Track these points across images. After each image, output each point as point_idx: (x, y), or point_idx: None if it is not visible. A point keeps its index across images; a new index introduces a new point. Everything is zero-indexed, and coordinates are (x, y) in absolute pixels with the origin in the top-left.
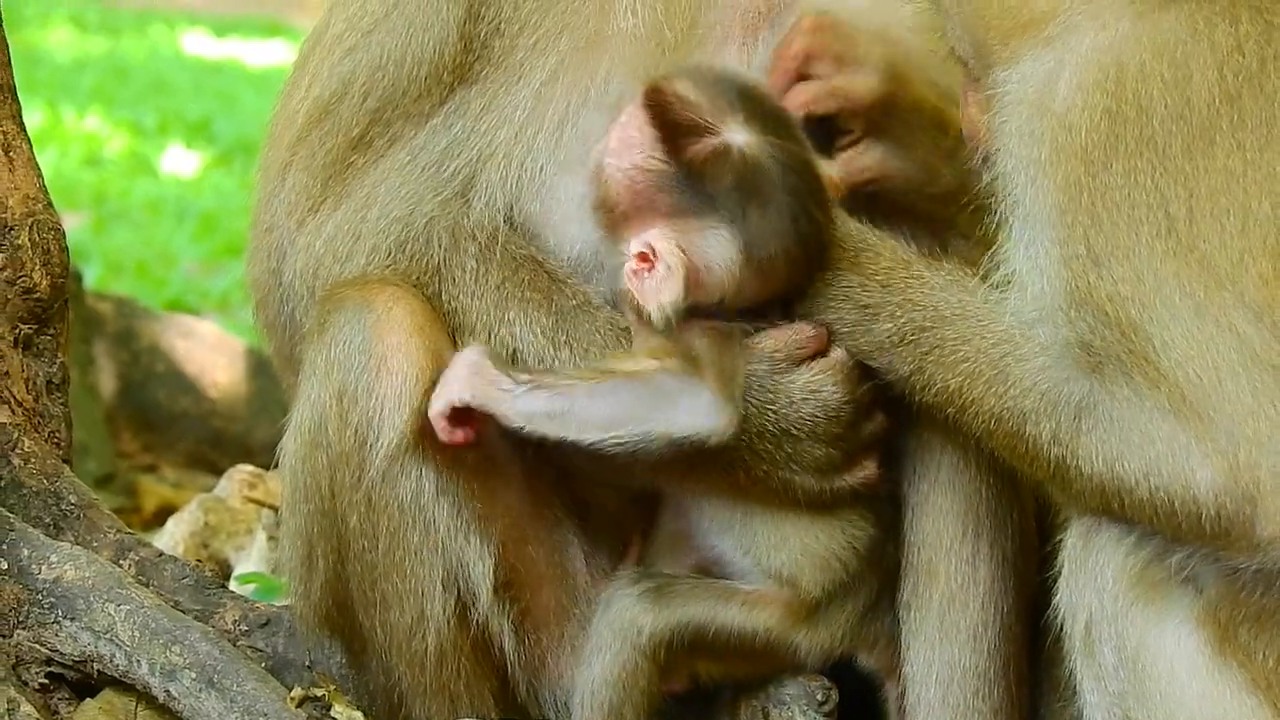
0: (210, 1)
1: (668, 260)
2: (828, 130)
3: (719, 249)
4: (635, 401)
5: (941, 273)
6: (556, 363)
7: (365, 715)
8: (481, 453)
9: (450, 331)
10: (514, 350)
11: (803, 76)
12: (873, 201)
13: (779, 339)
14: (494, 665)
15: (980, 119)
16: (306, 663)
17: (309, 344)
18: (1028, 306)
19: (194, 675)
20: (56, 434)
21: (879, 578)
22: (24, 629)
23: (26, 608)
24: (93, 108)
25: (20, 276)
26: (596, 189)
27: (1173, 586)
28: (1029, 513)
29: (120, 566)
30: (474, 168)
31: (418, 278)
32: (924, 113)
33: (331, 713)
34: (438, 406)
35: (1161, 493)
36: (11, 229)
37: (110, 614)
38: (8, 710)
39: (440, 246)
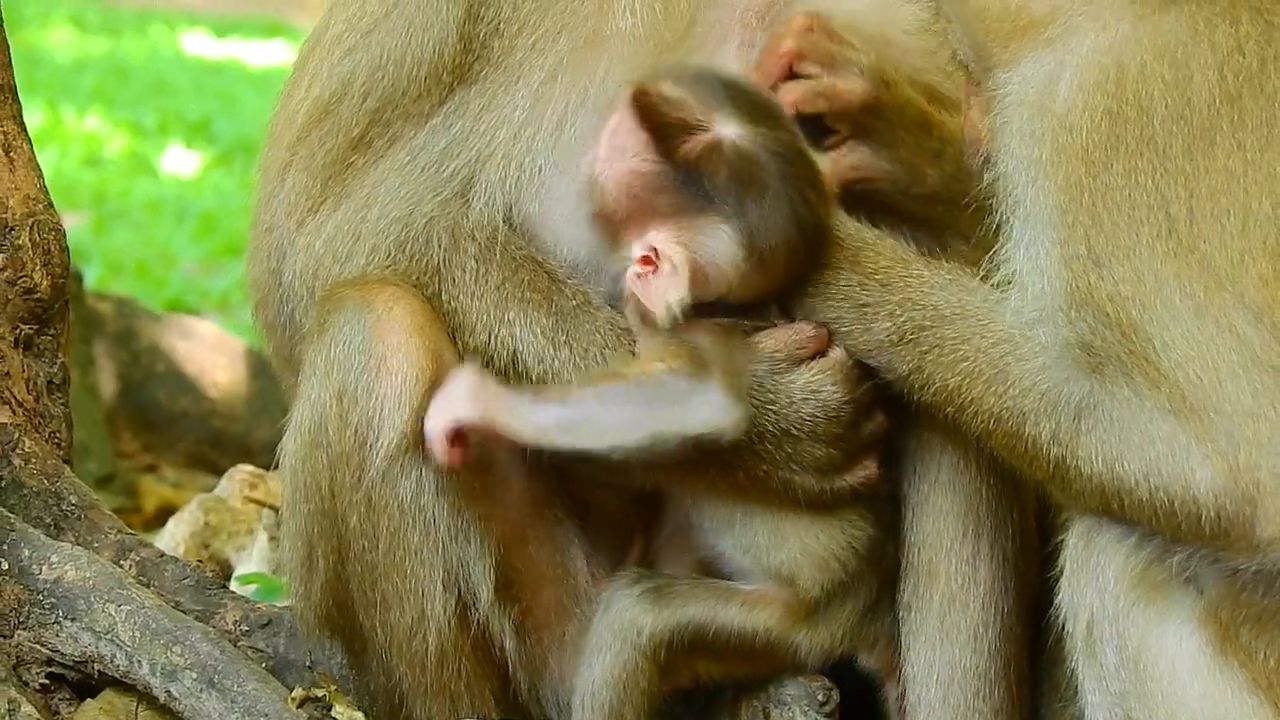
0: (211, 2)
1: (673, 259)
2: (815, 129)
3: (722, 243)
4: (646, 404)
5: (941, 272)
6: (556, 363)
7: (366, 716)
8: (482, 454)
9: (450, 332)
10: (514, 351)
11: (792, 75)
12: (859, 201)
13: (779, 339)
14: (495, 665)
15: (982, 122)
16: (307, 663)
17: (309, 344)
18: (1028, 306)
19: (195, 676)
20: (57, 434)
21: (879, 577)
22: (25, 629)
23: (27, 608)
24: (93, 108)
25: (21, 277)
26: (593, 198)
27: (1174, 587)
28: (1029, 513)
29: (121, 567)
30: (473, 168)
31: (417, 278)
32: (910, 115)
33: (332, 713)
34: (440, 425)
35: (1161, 493)
36: (12, 229)
37: (111, 614)
38: (8, 711)
39: (440, 247)
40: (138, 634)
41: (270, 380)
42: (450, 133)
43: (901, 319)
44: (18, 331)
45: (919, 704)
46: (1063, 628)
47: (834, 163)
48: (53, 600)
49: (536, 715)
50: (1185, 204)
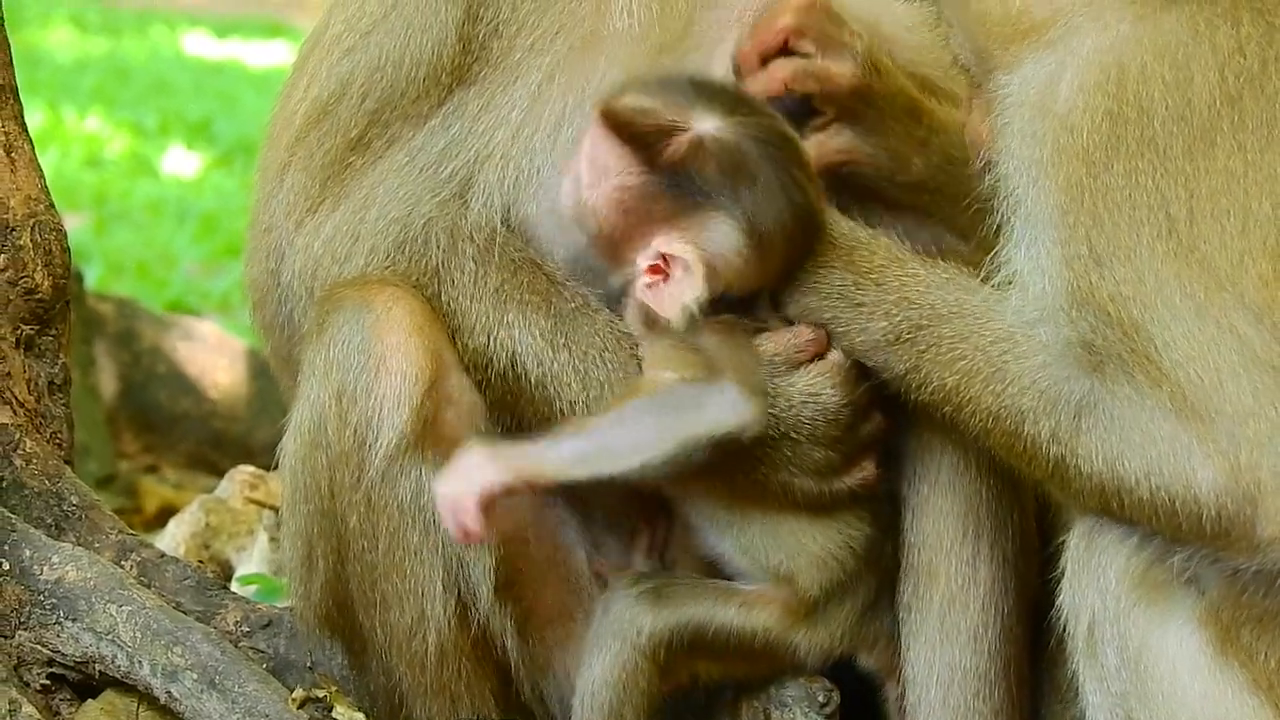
0: (211, 2)
1: (685, 260)
2: (802, 108)
3: (725, 235)
4: (663, 415)
5: (937, 271)
6: (555, 365)
7: (366, 716)
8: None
9: (449, 332)
10: (513, 352)
11: (786, 50)
12: (843, 184)
13: (778, 343)
14: (495, 665)
15: (983, 124)
16: (308, 664)
17: (308, 344)
18: (1029, 306)
19: (196, 676)
20: (58, 435)
21: (877, 577)
22: (26, 630)
23: (28, 609)
24: (94, 108)
25: (22, 277)
26: (586, 225)
27: (1175, 588)
28: (1030, 514)
29: (122, 567)
30: (471, 169)
31: (416, 279)
32: (900, 103)
33: (333, 714)
34: (472, 501)
35: (1162, 492)
36: (13, 230)
37: (112, 615)
38: (9, 711)
39: (439, 248)
40: (139, 634)
41: (271, 381)
42: (449, 134)
43: (897, 318)
44: (19, 332)
45: (919, 705)
46: (1064, 629)
47: (819, 145)
48: (54, 601)
49: (540, 715)
50: (1186, 204)
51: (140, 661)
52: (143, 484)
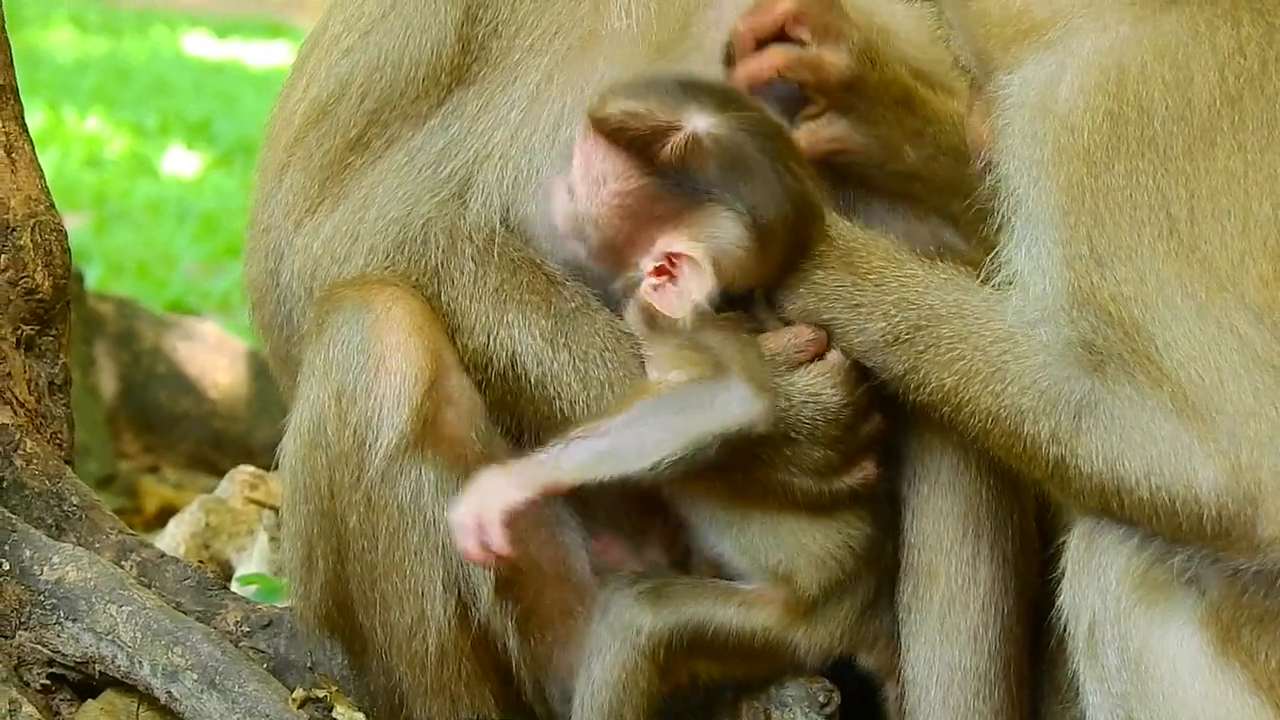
0: (211, 2)
1: (694, 258)
2: (793, 95)
3: (729, 229)
4: (673, 414)
5: (936, 272)
6: (555, 365)
7: (366, 716)
8: (482, 454)
9: (449, 332)
10: (513, 352)
11: (783, 36)
12: (834, 172)
13: (778, 342)
14: (495, 665)
15: (984, 126)
16: (308, 664)
17: (307, 345)
18: (1030, 306)
19: (196, 676)
20: (58, 435)
21: (877, 576)
22: (26, 630)
23: (28, 609)
24: (94, 108)
25: (22, 277)
26: (587, 235)
27: (1176, 588)
28: (1029, 514)
29: (122, 568)
30: (470, 169)
31: (416, 279)
32: (893, 94)
33: (333, 714)
34: (495, 519)
35: (1163, 492)
36: (14, 230)
37: (112, 615)
38: (9, 711)
39: (438, 248)
40: (139, 635)
41: (271, 381)
42: (448, 134)
43: (896, 319)
44: (19, 332)
45: (919, 705)
46: (1064, 629)
47: (811, 133)
48: (54, 601)
49: (541, 715)
50: (1186, 204)
51: (140, 662)
52: (143, 484)
